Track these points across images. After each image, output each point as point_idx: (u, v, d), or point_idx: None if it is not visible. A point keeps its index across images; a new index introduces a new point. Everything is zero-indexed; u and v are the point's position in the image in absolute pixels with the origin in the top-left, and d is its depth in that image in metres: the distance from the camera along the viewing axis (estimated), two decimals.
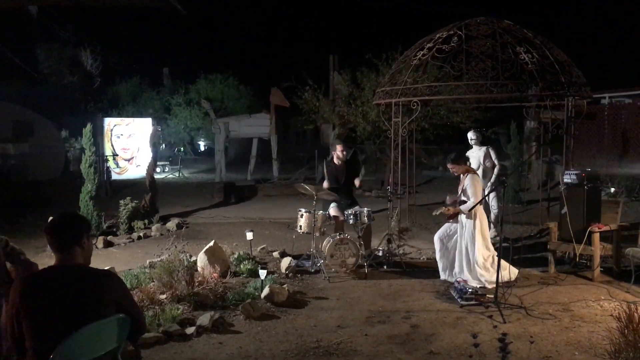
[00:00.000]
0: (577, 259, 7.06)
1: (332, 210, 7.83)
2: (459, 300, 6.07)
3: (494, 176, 9.21)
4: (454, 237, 7.00)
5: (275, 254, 8.19)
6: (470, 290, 6.11)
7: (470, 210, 6.61)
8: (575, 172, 7.18)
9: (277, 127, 18.99)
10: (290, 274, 7.13)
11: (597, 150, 16.47)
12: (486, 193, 9.28)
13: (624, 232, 7.20)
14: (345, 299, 6.27)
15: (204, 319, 5.33)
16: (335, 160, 7.97)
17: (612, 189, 13.74)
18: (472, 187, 6.73)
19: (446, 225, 7.14)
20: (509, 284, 6.38)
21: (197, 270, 6.84)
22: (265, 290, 6.10)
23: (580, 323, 5.39)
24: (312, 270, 7.29)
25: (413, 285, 6.80)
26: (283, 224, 11.28)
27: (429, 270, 7.46)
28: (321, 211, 7.51)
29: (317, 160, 19.81)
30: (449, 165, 6.93)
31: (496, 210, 9.26)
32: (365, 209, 7.53)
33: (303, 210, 7.56)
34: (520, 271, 7.28)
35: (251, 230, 8.07)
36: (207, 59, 28.95)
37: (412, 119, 8.44)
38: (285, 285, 6.38)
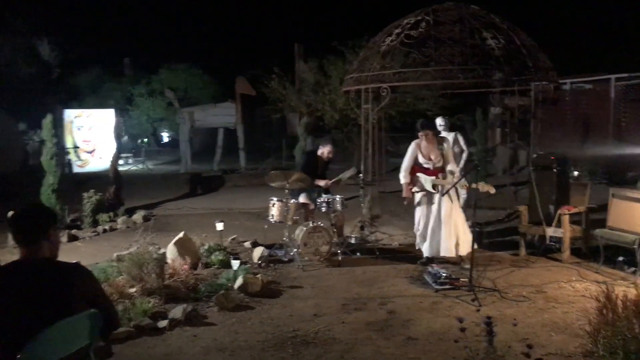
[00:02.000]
0: (548, 242, 7.12)
1: (302, 198, 7.73)
2: (433, 285, 6.06)
3: (462, 162, 9.23)
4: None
5: (247, 244, 8.07)
6: (444, 275, 6.11)
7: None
8: (545, 154, 7.24)
9: (244, 117, 18.75)
10: (263, 264, 7.02)
11: (560, 135, 16.74)
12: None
13: (592, 215, 7.31)
14: (320, 287, 6.20)
15: (177, 311, 5.19)
16: (320, 155, 7.87)
17: (576, 173, 14.00)
18: (451, 151, 6.89)
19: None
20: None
21: (167, 262, 6.67)
22: (239, 281, 5.98)
23: (555, 304, 5.44)
24: (286, 259, 7.20)
25: (387, 271, 6.77)
26: (253, 214, 11.14)
27: (402, 256, 7.45)
28: (293, 199, 7.41)
29: (285, 151, 19.71)
30: (423, 132, 6.80)
31: (465, 196, 9.28)
32: (338, 196, 7.46)
33: (275, 199, 7.44)
34: (492, 255, 7.35)
35: (221, 221, 7.92)
36: (169, 49, 28.32)
37: (382, 105, 8.39)
38: (258, 275, 6.27)
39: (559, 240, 7.29)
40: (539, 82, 8.37)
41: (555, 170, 7.08)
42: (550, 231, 6.89)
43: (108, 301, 3.11)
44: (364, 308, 5.51)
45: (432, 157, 6.83)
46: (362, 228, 7.77)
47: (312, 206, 7.72)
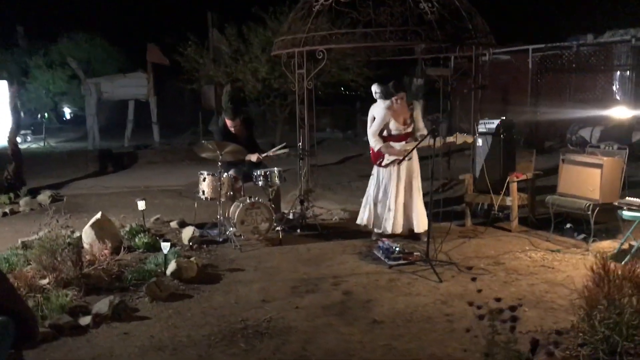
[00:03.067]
0: (496, 210, 6.88)
1: (232, 172, 6.99)
2: (386, 260, 5.61)
3: None
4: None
5: (173, 224, 7.28)
6: (397, 249, 5.67)
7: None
8: (491, 121, 6.95)
9: (156, 88, 17.50)
10: (195, 246, 6.30)
11: (480, 105, 16.84)
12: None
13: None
14: (264, 269, 5.58)
15: (102, 305, 4.40)
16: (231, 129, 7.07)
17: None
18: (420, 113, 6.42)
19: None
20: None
21: (83, 247, 5.80)
22: (172, 266, 5.25)
23: (517, 276, 5.14)
24: (220, 239, 6.50)
25: (333, 248, 6.25)
26: (173, 191, 10.28)
27: (345, 231, 6.96)
28: (226, 173, 6.69)
29: (202, 125, 18.69)
30: (398, 95, 6.20)
31: None
32: (276, 168, 6.82)
33: (205, 173, 6.69)
34: (437, 226, 7.01)
35: (143, 199, 7.08)
36: (68, 16, 26.08)
37: (319, 67, 7.77)
38: (192, 259, 5.56)
39: (503, 209, 7.08)
40: (480, 46, 8.04)
41: (502, 136, 6.80)
42: (500, 200, 6.62)
43: (21, 304, 2.37)
44: (316, 290, 4.96)
45: (407, 121, 6.34)
46: (301, 203, 7.19)
47: (240, 182, 7.03)
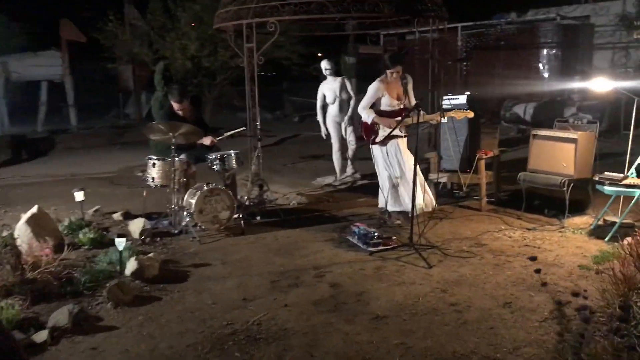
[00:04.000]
0: (465, 189, 6.66)
1: (183, 156, 6.36)
2: (365, 247, 5.23)
3: (350, 109, 8.45)
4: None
5: (117, 216, 6.54)
6: (376, 234, 5.29)
7: None
8: (456, 96, 6.69)
9: (72, 68, 16.12)
10: (147, 239, 5.65)
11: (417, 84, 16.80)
12: (343, 127, 8.56)
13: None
14: (233, 263, 5.04)
15: (59, 316, 3.74)
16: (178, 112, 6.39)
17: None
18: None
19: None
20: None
21: (19, 247, 5.02)
22: (132, 265, 4.60)
23: (506, 258, 4.90)
24: (176, 231, 5.87)
25: (302, 235, 5.80)
26: (104, 179, 9.41)
27: (308, 217, 6.52)
28: (179, 157, 6.03)
29: (122, 108, 17.52)
30: (395, 69, 5.73)
31: (354, 146, 8.58)
32: (232, 151, 6.24)
33: (154, 158, 6.01)
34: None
35: (81, 189, 6.30)
36: None
37: (271, 41, 7.21)
38: (151, 255, 4.92)
39: (461, 187, 6.90)
40: (439, 19, 7.75)
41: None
42: (469, 178, 6.39)
43: None
44: (299, 283, 4.50)
45: (401, 96, 5.90)
46: (260, 187, 6.65)
47: (193, 167, 6.42)
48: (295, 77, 17.61)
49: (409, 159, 5.81)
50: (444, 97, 6.84)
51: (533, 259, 4.81)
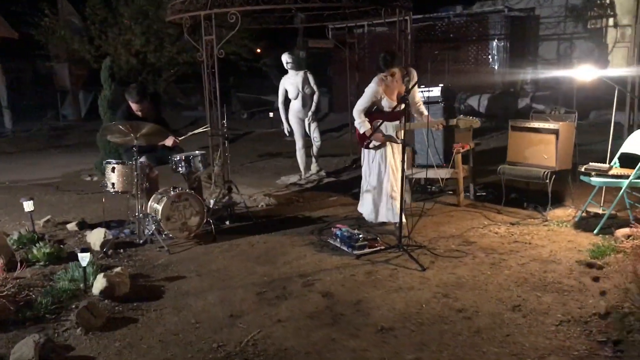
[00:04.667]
0: (442, 184, 6.46)
1: (144, 160, 5.85)
2: (350, 250, 4.91)
3: (314, 104, 8.12)
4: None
5: (71, 226, 5.96)
6: (361, 236, 4.98)
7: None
8: (429, 89, 6.46)
9: (4, 67, 15.05)
10: (110, 251, 5.14)
11: (359, 79, 16.58)
12: (307, 123, 8.21)
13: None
14: (211, 274, 4.62)
15: (23, 348, 3.23)
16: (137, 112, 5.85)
17: None
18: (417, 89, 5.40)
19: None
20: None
21: None
22: (100, 282, 4.11)
23: (499, 256, 4.70)
24: (140, 241, 5.37)
25: (279, 240, 5.42)
26: (48, 185, 8.71)
27: (280, 220, 6.16)
28: (141, 160, 5.52)
29: (60, 109, 16.55)
30: (388, 72, 5.15)
31: (319, 143, 8.25)
32: (198, 152, 5.79)
33: (113, 162, 5.49)
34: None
35: (30, 198, 5.70)
36: None
37: (232, 34, 6.76)
38: (119, 269, 4.43)
39: (434, 182, 6.72)
40: (404, 10, 7.51)
41: (443, 104, 6.36)
42: (449, 172, 6.19)
43: None
44: (288, 295, 4.13)
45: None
46: (229, 190, 6.21)
47: (156, 171, 5.93)
48: (243, 72, 17.11)
49: (394, 167, 5.36)
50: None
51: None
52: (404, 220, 5.02)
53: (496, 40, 14.94)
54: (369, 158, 5.46)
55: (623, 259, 4.36)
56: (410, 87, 4.95)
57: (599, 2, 13.24)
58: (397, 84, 5.21)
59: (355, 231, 5.10)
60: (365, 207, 5.61)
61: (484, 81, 14.06)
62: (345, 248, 4.98)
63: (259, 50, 15.89)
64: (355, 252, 4.86)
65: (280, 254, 5.02)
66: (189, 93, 21.21)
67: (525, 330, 3.39)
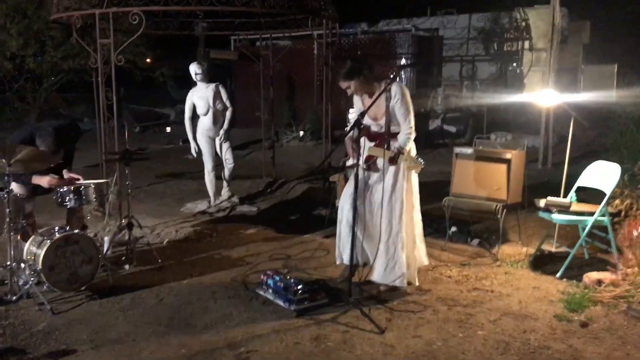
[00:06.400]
0: None
1: (19, 189, 4.57)
2: (286, 305, 4.02)
3: (226, 122, 7.13)
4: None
5: None
6: (300, 286, 4.09)
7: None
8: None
9: None
10: None
11: (265, 94, 15.75)
12: (218, 143, 7.21)
13: None
14: (110, 347, 3.52)
15: None
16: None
17: (301, 133, 13.17)
18: (404, 104, 4.18)
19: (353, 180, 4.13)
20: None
21: None
22: None
23: (464, 309, 4.00)
24: (13, 297, 4.13)
25: (194, 291, 4.40)
26: None
27: (192, 259, 5.14)
28: (18, 193, 4.29)
29: None
30: (344, 85, 4.27)
31: (232, 165, 7.28)
32: (92, 181, 4.64)
33: None
34: (301, 239, 5.67)
35: None
36: None
37: (134, 37, 5.71)
38: None
39: None
40: (331, 20, 6.81)
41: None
42: None
43: None
44: None
45: (378, 116, 4.31)
46: (129, 227, 5.04)
47: (32, 204, 4.70)
48: (135, 83, 15.70)
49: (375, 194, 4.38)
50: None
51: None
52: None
53: (403, 59, 14.73)
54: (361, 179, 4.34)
55: (606, 313, 3.83)
56: (368, 106, 4.15)
57: (515, 24, 13.37)
58: (370, 100, 4.21)
59: (291, 279, 4.20)
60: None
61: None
62: (280, 302, 4.08)
63: (148, 60, 14.58)
64: (293, 307, 3.98)
65: (198, 312, 4.02)
66: (72, 103, 19.30)
67: None
